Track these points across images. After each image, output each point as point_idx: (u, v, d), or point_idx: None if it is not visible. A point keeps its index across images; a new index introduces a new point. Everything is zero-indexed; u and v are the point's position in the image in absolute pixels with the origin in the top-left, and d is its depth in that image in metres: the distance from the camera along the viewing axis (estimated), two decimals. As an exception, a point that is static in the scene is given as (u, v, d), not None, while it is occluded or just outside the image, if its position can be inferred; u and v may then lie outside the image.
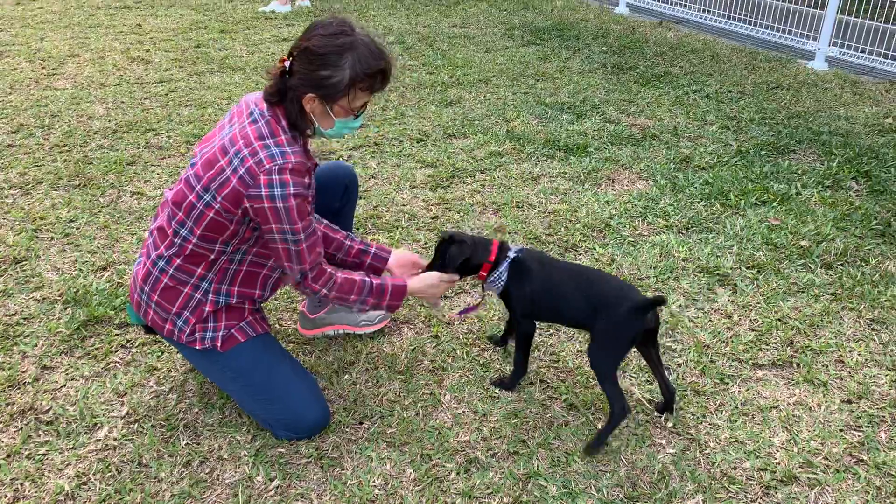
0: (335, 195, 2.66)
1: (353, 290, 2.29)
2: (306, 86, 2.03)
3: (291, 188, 2.02)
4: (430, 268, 2.51)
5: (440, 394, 2.52)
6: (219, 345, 2.24)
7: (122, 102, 5.13)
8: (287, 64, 2.07)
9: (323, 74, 2.01)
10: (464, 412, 2.44)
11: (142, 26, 7.22)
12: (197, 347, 2.24)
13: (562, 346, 2.77)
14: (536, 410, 2.45)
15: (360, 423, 2.38)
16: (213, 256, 2.17)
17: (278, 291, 2.62)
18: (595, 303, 2.29)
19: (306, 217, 2.09)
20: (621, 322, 2.23)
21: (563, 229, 3.59)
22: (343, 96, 2.06)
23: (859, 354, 2.76)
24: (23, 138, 4.47)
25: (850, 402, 2.53)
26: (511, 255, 2.43)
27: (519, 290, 2.43)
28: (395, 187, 3.98)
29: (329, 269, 2.26)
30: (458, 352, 2.73)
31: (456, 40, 7.07)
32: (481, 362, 2.68)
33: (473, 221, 3.65)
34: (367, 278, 2.32)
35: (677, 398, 2.49)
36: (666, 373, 2.47)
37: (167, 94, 5.32)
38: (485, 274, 2.44)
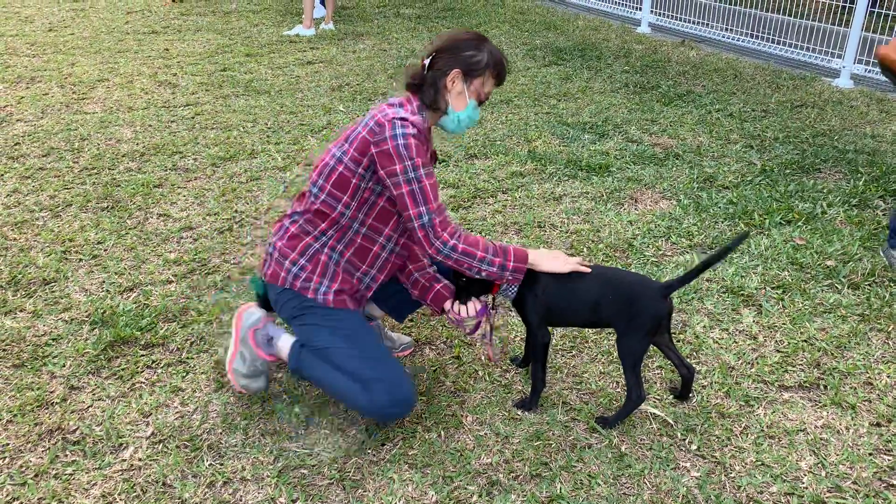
0: None
1: (479, 245, 2.34)
2: (452, 65, 2.36)
3: (411, 130, 2.26)
4: (460, 295, 2.55)
5: (462, 415, 2.51)
6: (330, 299, 2.40)
7: (150, 126, 5.22)
8: (427, 62, 2.40)
9: (468, 54, 2.37)
10: (486, 434, 2.43)
11: (169, 51, 7.36)
12: (308, 296, 2.39)
13: (585, 368, 2.76)
14: (559, 432, 2.43)
15: (383, 445, 2.38)
16: (335, 215, 2.36)
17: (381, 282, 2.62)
18: (615, 296, 2.36)
19: (425, 158, 2.29)
20: (645, 309, 2.34)
21: (585, 250, 3.58)
22: (480, 76, 2.38)
23: (888, 377, 2.72)
24: (53, 161, 4.56)
25: (879, 425, 2.49)
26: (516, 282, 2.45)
27: (533, 296, 2.44)
28: (418, 208, 4.00)
29: (454, 222, 2.39)
30: (479, 373, 2.73)
31: (478, 61, 7.10)
32: (503, 383, 2.68)
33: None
34: (486, 239, 2.39)
35: (701, 418, 2.47)
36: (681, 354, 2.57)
37: (193, 118, 5.41)
38: (498, 285, 2.48)
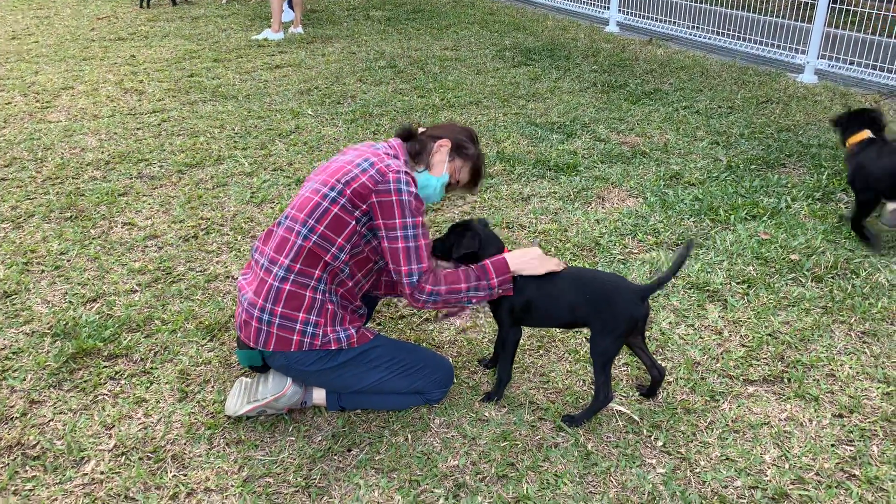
0: None
1: (460, 279, 2.37)
2: (446, 136, 2.49)
3: (414, 189, 2.30)
4: (436, 244, 2.55)
5: (429, 418, 2.51)
6: (354, 342, 2.38)
7: (115, 133, 5.16)
8: (422, 130, 2.56)
9: (461, 138, 2.52)
10: (453, 436, 2.42)
11: (136, 57, 7.28)
12: (333, 347, 2.35)
13: (552, 367, 2.76)
14: (526, 433, 2.43)
15: (349, 451, 2.37)
16: (328, 257, 2.31)
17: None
18: (593, 297, 2.38)
19: (424, 216, 2.35)
20: (622, 311, 2.35)
21: (553, 249, 3.59)
22: (462, 161, 2.51)
23: (850, 368, 2.75)
24: (15, 172, 4.49)
25: (841, 416, 2.52)
26: None
27: (511, 300, 2.46)
28: (386, 211, 3.99)
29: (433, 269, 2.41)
30: (447, 375, 2.72)
31: (447, 63, 7.12)
32: (471, 384, 2.67)
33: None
34: (465, 267, 2.43)
35: (667, 414, 2.48)
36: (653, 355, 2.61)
37: (160, 124, 5.36)
38: None
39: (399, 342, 2.58)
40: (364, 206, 2.28)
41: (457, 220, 3.85)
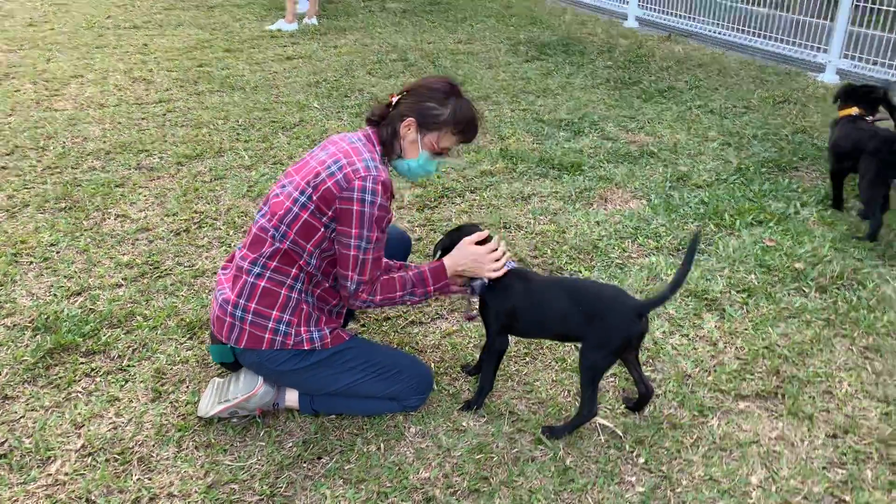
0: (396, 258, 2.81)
1: (396, 287, 2.37)
2: (409, 112, 2.32)
3: (379, 198, 2.22)
4: (437, 245, 2.53)
5: (405, 426, 2.43)
6: (328, 342, 2.33)
7: (119, 123, 5.14)
8: (395, 99, 2.37)
9: (428, 105, 2.32)
10: (427, 446, 2.35)
11: (148, 46, 7.27)
12: (305, 347, 2.30)
13: (537, 375, 2.68)
14: (503, 445, 2.35)
15: (319, 458, 2.30)
16: (301, 262, 2.29)
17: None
18: (587, 309, 2.28)
19: (381, 231, 2.27)
20: (617, 326, 2.25)
21: (549, 251, 3.50)
22: (436, 130, 2.34)
23: (849, 385, 2.63)
24: (16, 160, 4.48)
25: (835, 436, 2.41)
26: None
27: (497, 305, 2.39)
28: (382, 208, 3.91)
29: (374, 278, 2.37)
30: (428, 381, 2.65)
31: (459, 57, 7.02)
32: (451, 392, 2.60)
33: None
34: (404, 273, 2.42)
35: (651, 429, 2.39)
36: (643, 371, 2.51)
37: (164, 115, 5.33)
38: None
39: (376, 345, 2.52)
40: (330, 213, 2.24)
41: (453, 219, 3.78)
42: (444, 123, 2.33)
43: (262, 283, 2.28)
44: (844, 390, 2.61)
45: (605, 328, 2.26)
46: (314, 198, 2.24)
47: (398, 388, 2.42)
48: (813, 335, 2.90)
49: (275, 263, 2.28)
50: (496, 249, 2.41)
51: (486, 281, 2.42)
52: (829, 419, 2.48)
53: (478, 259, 2.39)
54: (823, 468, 2.27)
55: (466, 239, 2.42)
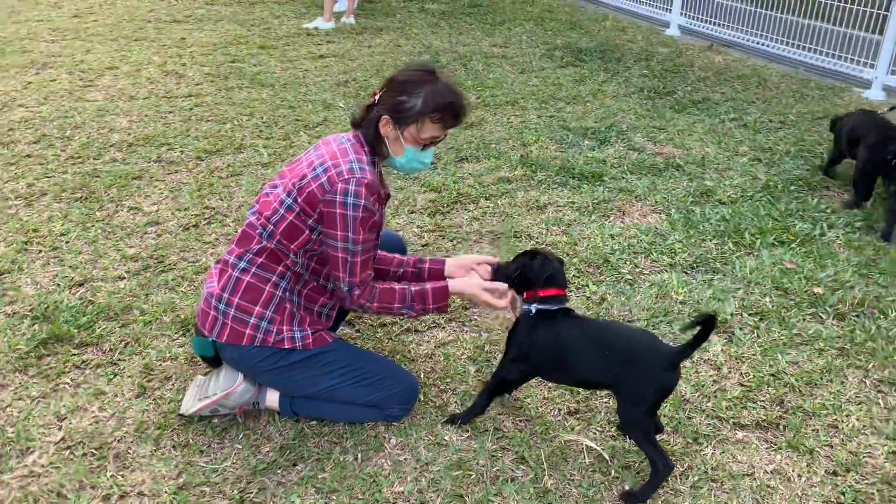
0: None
1: (395, 298, 2.35)
2: (384, 109, 2.26)
3: (363, 200, 2.18)
4: (497, 270, 2.47)
5: (385, 437, 2.38)
6: (310, 342, 2.30)
7: (146, 116, 5.19)
8: (377, 97, 2.30)
9: (399, 100, 2.24)
10: (405, 459, 2.29)
11: (185, 40, 7.35)
12: (286, 346, 2.28)
13: (528, 391, 2.60)
14: (483, 462, 2.28)
15: (294, 465, 2.26)
16: (288, 262, 2.28)
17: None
18: (622, 359, 2.14)
19: (368, 232, 2.24)
20: (654, 377, 2.11)
21: (557, 263, 3.40)
22: (413, 123, 2.25)
23: (857, 420, 2.50)
24: (42, 149, 4.55)
25: (835, 473, 2.28)
26: (552, 307, 2.29)
27: (524, 337, 2.30)
28: (393, 212, 3.87)
29: (372, 284, 2.34)
30: (415, 392, 2.59)
31: (492, 60, 6.94)
32: (437, 404, 2.53)
33: (466, 251, 3.51)
34: (406, 287, 2.38)
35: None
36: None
37: (191, 109, 5.37)
38: (529, 294, 2.34)
39: (361, 351, 2.48)
40: (315, 215, 2.23)
41: (464, 226, 3.71)
42: (420, 114, 2.24)
43: (247, 279, 2.28)
44: (851, 425, 2.47)
45: (638, 380, 2.11)
46: (299, 200, 2.23)
47: (379, 396, 2.37)
48: (824, 364, 2.76)
49: (261, 260, 2.29)
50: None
51: (533, 310, 2.31)
52: (831, 454, 2.35)
53: (479, 294, 2.39)
54: (819, 507, 2.16)
55: (480, 281, 2.43)
